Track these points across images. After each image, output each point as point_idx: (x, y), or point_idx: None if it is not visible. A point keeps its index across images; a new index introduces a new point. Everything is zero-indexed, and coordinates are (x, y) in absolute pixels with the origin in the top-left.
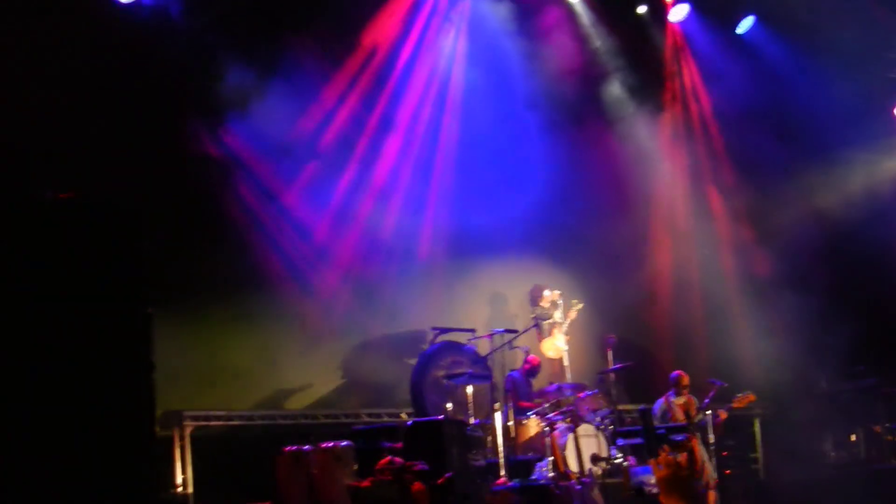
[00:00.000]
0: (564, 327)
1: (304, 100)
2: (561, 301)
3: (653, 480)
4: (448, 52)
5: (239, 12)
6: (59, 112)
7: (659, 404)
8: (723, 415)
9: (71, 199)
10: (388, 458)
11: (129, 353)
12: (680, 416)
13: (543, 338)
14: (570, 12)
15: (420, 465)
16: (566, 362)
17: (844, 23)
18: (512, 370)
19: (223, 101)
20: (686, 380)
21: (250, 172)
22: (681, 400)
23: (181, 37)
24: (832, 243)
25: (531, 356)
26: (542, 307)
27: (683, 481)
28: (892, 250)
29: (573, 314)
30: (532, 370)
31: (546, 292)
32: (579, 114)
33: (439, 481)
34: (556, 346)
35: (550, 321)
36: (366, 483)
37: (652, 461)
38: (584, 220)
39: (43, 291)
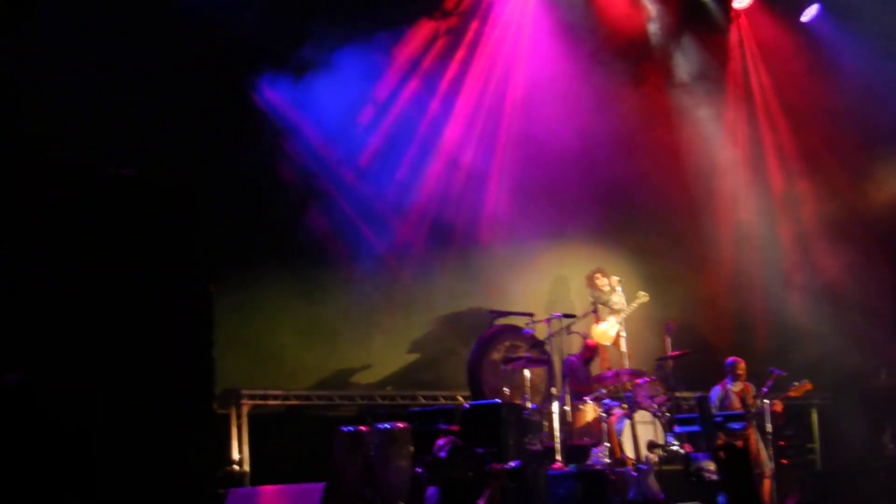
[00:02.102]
0: (623, 314)
1: (370, 74)
2: (620, 287)
3: (712, 467)
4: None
5: None
6: (119, 89)
7: (716, 391)
8: (778, 404)
9: (132, 175)
10: (450, 438)
11: (189, 331)
12: (737, 403)
13: (599, 322)
14: None
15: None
16: (623, 348)
17: None
18: (569, 355)
19: (287, 72)
20: (742, 366)
21: (314, 148)
22: (737, 387)
23: (244, 9)
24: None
25: (589, 341)
26: (601, 291)
27: (747, 469)
28: None
29: (636, 304)
30: (590, 355)
31: (604, 277)
32: (645, 98)
33: (511, 466)
34: (607, 331)
35: (608, 306)
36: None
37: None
38: (645, 206)
39: (107, 267)
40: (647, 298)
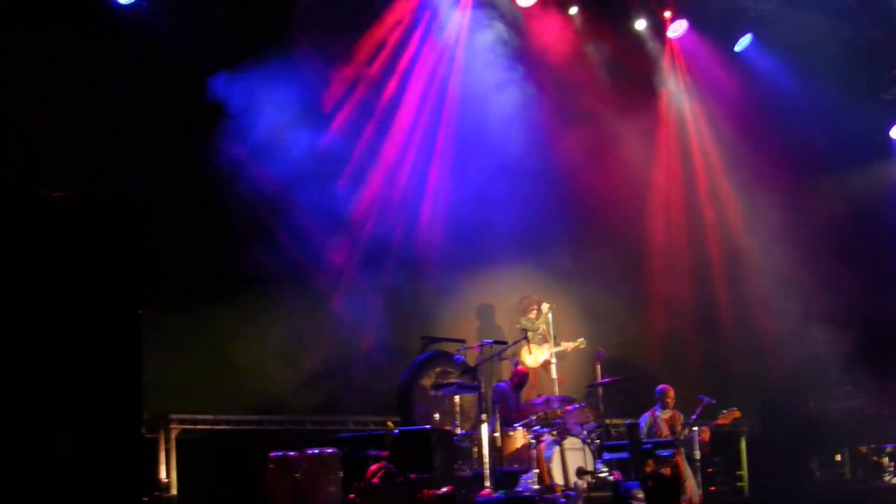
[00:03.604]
0: (555, 348)
1: (307, 97)
2: (550, 314)
3: (640, 495)
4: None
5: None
6: (59, 109)
7: (645, 419)
8: (706, 433)
9: (64, 197)
10: (383, 463)
11: (118, 354)
12: (665, 430)
13: (530, 348)
14: (568, 22)
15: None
16: (554, 375)
17: (841, 43)
18: (500, 381)
19: (227, 93)
20: (672, 394)
21: (247, 172)
22: (666, 415)
23: (183, 30)
24: (825, 264)
25: (519, 367)
26: (530, 318)
27: (675, 496)
28: (885, 272)
29: (572, 346)
30: (520, 382)
31: (535, 303)
32: (574, 123)
33: (443, 491)
34: (537, 358)
35: (538, 332)
36: (375, 481)
37: (644, 474)
38: (577, 232)
39: (36, 289)
40: (584, 345)
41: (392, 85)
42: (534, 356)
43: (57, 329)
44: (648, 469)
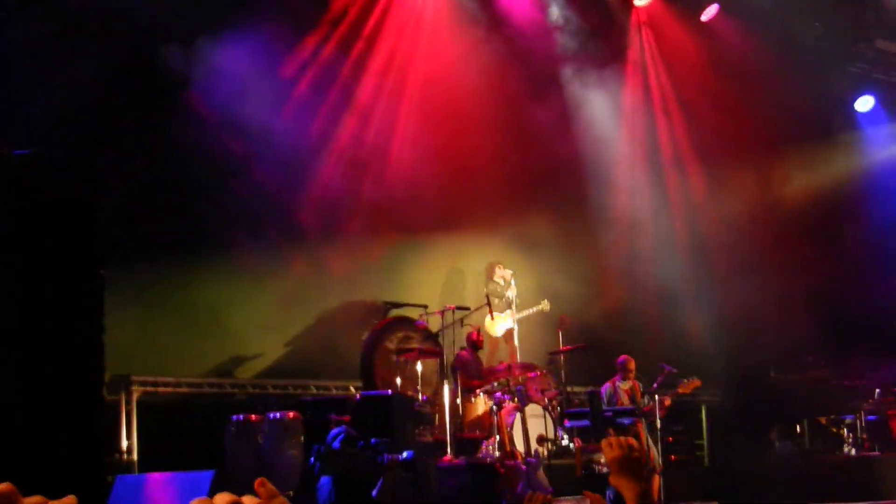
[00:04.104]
0: (519, 314)
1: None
2: (514, 280)
3: (603, 460)
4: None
5: None
6: (14, 66)
7: (606, 388)
8: (667, 400)
9: (25, 155)
10: (343, 428)
11: (79, 315)
12: (626, 400)
13: (493, 315)
14: None
15: None
16: (516, 342)
17: (808, 15)
18: (462, 348)
19: (188, 54)
20: (632, 364)
21: (212, 136)
22: (626, 384)
23: None
24: (789, 234)
25: (472, 332)
26: (498, 284)
27: (635, 463)
28: (849, 244)
29: (535, 310)
30: (474, 345)
31: (499, 269)
32: (540, 91)
33: (404, 457)
34: (501, 325)
35: (502, 299)
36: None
37: (603, 442)
38: (541, 201)
39: None
40: (549, 308)
41: (356, 50)
42: (496, 323)
43: (16, 288)
44: (609, 438)
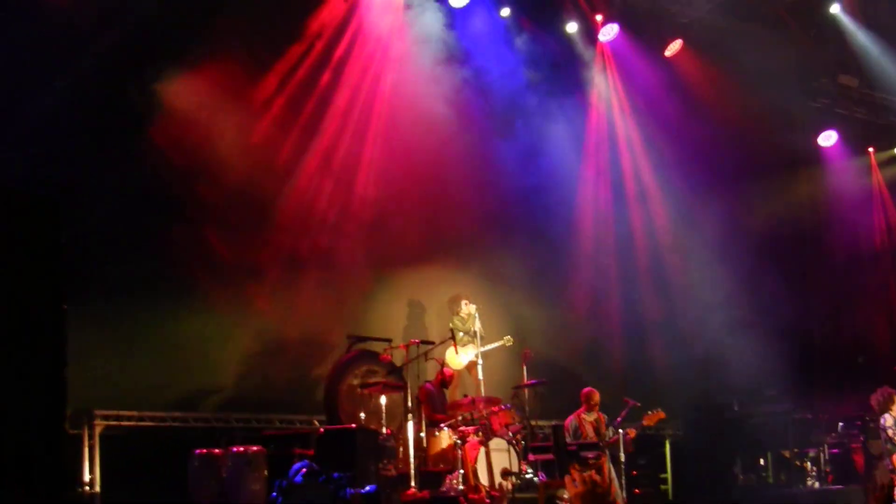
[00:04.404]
0: (481, 347)
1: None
2: (477, 314)
3: (566, 496)
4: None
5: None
6: None
7: (570, 421)
8: (631, 433)
9: None
10: (306, 462)
11: (41, 349)
12: (590, 432)
13: (457, 348)
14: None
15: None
16: (480, 376)
17: (771, 51)
18: (427, 381)
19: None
20: (596, 396)
21: (178, 173)
22: (591, 417)
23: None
24: (752, 267)
25: (446, 369)
26: (462, 317)
27: (599, 498)
28: (812, 277)
29: (498, 344)
30: (445, 382)
31: (464, 303)
32: (504, 124)
33: (367, 490)
34: (464, 358)
35: (466, 332)
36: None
37: (567, 477)
38: (504, 235)
39: None
40: (511, 342)
41: (320, 85)
42: (459, 356)
43: None
44: (574, 471)
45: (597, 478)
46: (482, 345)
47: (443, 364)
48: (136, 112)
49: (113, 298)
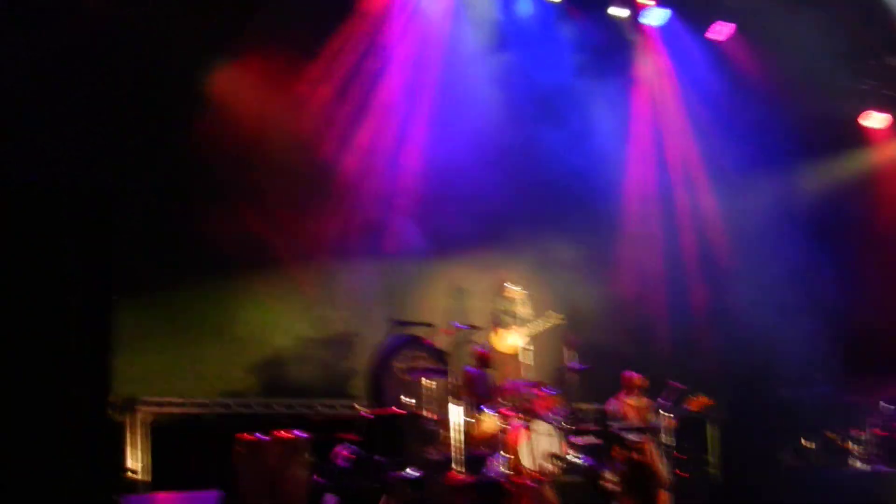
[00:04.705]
0: (530, 328)
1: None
2: (523, 298)
3: (611, 478)
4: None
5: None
6: (29, 94)
7: (613, 404)
8: (671, 422)
9: (37, 182)
10: (351, 446)
11: (88, 337)
12: (633, 416)
13: (501, 332)
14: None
15: None
16: (525, 359)
17: (818, 32)
18: (470, 365)
19: (200, 74)
20: (638, 380)
21: (224, 159)
22: (634, 400)
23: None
24: (802, 248)
25: (480, 349)
26: (508, 301)
27: (644, 481)
28: (858, 259)
29: (547, 323)
30: (483, 363)
31: (510, 287)
32: (553, 106)
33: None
34: (510, 342)
35: (512, 316)
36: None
37: (613, 459)
38: (549, 218)
39: (4, 274)
40: (560, 320)
41: (365, 69)
42: (505, 340)
43: (26, 312)
44: (618, 454)
45: (640, 459)
46: (528, 328)
47: (482, 346)
48: (182, 100)
49: (157, 287)
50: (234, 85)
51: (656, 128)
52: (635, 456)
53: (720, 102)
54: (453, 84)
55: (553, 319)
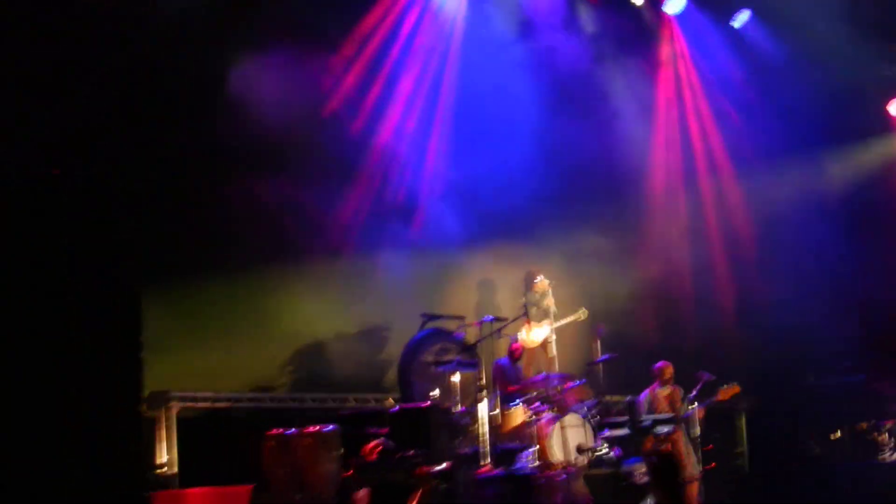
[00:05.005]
0: (557, 322)
1: (299, 81)
2: (550, 290)
3: (643, 470)
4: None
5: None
6: (49, 86)
7: (644, 395)
8: (701, 412)
9: (61, 174)
10: (381, 440)
11: (118, 332)
12: (665, 407)
13: (530, 325)
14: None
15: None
16: (554, 352)
17: (841, 19)
18: (499, 358)
19: (220, 75)
20: (670, 371)
21: (247, 150)
22: (665, 391)
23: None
24: (829, 236)
25: (514, 344)
26: (534, 294)
27: (674, 473)
28: (885, 246)
29: (573, 318)
30: (514, 357)
31: (538, 279)
32: (574, 98)
33: (441, 468)
34: (539, 335)
35: (539, 309)
36: (371, 458)
37: (643, 452)
38: (575, 209)
39: (35, 267)
40: (586, 316)
41: (391, 57)
42: (533, 333)
43: (54, 306)
44: (648, 446)
45: (671, 450)
46: (556, 320)
47: (515, 340)
48: (210, 92)
49: (187, 281)
50: (264, 67)
51: (679, 116)
52: (666, 448)
53: (743, 89)
54: (475, 74)
55: (580, 315)
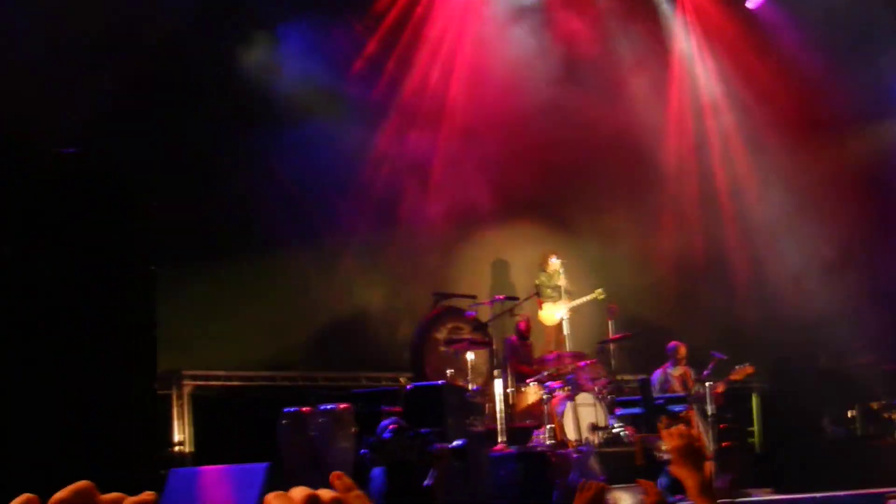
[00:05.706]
0: (573, 302)
1: (316, 60)
2: (563, 269)
3: (665, 447)
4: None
5: None
6: (67, 66)
7: (657, 375)
8: (720, 387)
9: (75, 154)
10: (395, 418)
11: (131, 311)
12: (678, 386)
13: (544, 304)
14: None
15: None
16: (566, 331)
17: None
18: (509, 336)
19: (238, 57)
20: (683, 350)
21: (261, 133)
22: (678, 371)
23: None
24: (843, 218)
25: (523, 321)
26: (548, 273)
27: (697, 452)
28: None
29: (590, 298)
30: (522, 334)
31: (552, 259)
32: (586, 80)
33: (455, 446)
34: (553, 314)
35: (553, 288)
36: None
37: (664, 431)
38: (588, 190)
39: (48, 246)
40: (603, 296)
41: (402, 41)
42: (548, 313)
43: (67, 285)
44: (663, 425)
45: (695, 431)
46: (571, 300)
47: (524, 318)
48: (222, 73)
49: (200, 259)
50: (278, 50)
51: (692, 98)
52: (682, 427)
53: (756, 72)
54: (488, 53)
55: (597, 295)
